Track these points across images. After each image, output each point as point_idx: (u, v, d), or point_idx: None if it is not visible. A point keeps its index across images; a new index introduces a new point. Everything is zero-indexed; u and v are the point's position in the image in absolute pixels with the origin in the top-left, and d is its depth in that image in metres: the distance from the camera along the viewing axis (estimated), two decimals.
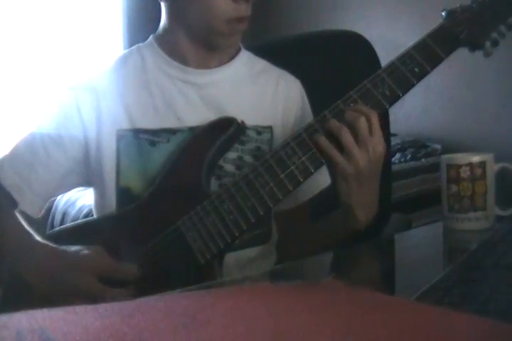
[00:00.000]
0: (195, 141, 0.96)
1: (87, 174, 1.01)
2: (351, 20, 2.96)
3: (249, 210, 0.88)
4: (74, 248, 0.87)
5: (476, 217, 0.91)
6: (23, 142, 1.00)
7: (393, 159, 2.50)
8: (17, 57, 2.75)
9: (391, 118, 1.23)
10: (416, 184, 2.31)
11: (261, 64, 1.09)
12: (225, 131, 0.95)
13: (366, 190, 0.91)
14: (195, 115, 0.99)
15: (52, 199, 1.08)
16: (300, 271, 0.84)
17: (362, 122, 0.86)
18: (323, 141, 0.87)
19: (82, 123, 0.99)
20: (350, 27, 1.43)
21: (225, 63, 1.04)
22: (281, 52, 1.28)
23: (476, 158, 0.91)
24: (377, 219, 0.96)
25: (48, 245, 0.88)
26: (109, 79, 1.02)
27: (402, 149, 2.59)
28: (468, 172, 0.91)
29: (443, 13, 0.93)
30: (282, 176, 0.88)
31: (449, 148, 2.46)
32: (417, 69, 0.90)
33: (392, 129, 1.33)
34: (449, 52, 0.91)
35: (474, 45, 0.93)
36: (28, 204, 0.97)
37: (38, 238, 0.90)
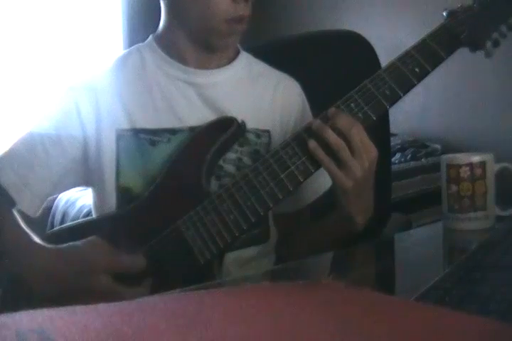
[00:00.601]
0: (195, 140, 0.96)
1: (86, 174, 1.01)
2: (351, 20, 2.97)
3: (249, 210, 0.88)
4: (69, 245, 0.85)
5: (476, 217, 0.91)
6: (21, 141, 1.00)
7: (393, 159, 2.50)
8: (17, 57, 2.75)
9: (391, 118, 1.23)
10: (416, 184, 2.31)
11: (260, 67, 1.09)
12: (225, 130, 0.95)
13: (364, 197, 0.91)
14: (196, 115, 0.99)
15: (52, 198, 1.08)
16: (300, 271, 0.84)
17: (354, 135, 0.85)
18: (323, 155, 0.86)
19: (82, 123, 0.98)
20: (350, 27, 1.43)
21: (224, 65, 1.04)
22: (281, 52, 1.28)
23: (476, 158, 0.91)
24: (376, 220, 0.96)
25: (45, 246, 0.88)
26: (108, 79, 1.02)
27: (402, 149, 2.59)
28: (468, 172, 0.91)
29: (444, 13, 0.93)
30: (282, 176, 0.88)
31: (449, 148, 2.46)
32: (417, 69, 0.90)
33: (392, 129, 1.33)
34: (449, 52, 0.91)
35: (475, 45, 0.93)
36: (26, 203, 0.97)
37: (36, 239, 0.90)
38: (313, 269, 0.86)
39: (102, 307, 0.46)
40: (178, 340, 0.40)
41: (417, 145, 2.63)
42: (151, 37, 1.06)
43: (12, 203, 0.96)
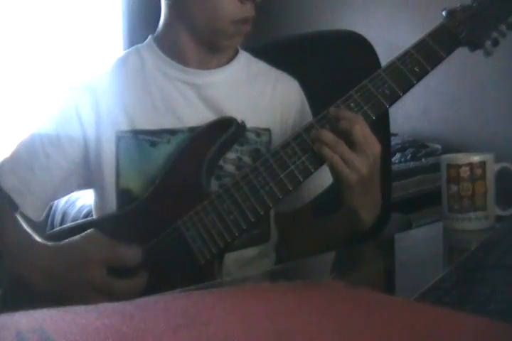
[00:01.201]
0: (195, 141, 0.96)
1: (87, 175, 1.01)
2: (351, 21, 2.97)
3: (249, 210, 0.88)
4: (68, 240, 0.86)
5: (476, 217, 0.91)
6: (22, 144, 1.00)
7: (393, 159, 2.50)
8: (17, 57, 2.75)
9: (391, 118, 1.23)
10: (416, 184, 2.31)
11: (259, 65, 1.09)
12: (225, 131, 0.95)
13: (370, 193, 0.91)
14: (195, 115, 0.99)
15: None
16: (300, 271, 0.84)
17: (357, 131, 0.85)
18: (327, 151, 0.86)
19: (81, 125, 0.98)
20: (350, 27, 1.43)
21: (223, 64, 1.04)
22: (281, 52, 1.28)
23: (476, 158, 0.91)
24: (377, 219, 0.96)
25: (48, 245, 0.88)
26: (108, 80, 1.02)
27: (402, 149, 2.59)
28: (468, 172, 0.91)
29: (443, 13, 0.93)
30: (282, 176, 0.88)
31: (449, 148, 2.46)
32: (417, 69, 0.90)
33: (392, 129, 1.33)
34: (449, 51, 0.91)
35: (474, 45, 0.93)
36: (29, 207, 0.97)
37: (38, 239, 0.90)
38: (313, 269, 0.86)
39: (102, 307, 0.46)
40: (177, 340, 0.40)
41: (417, 145, 2.63)
42: (150, 37, 1.06)
43: (15, 207, 0.96)
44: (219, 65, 1.04)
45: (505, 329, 0.44)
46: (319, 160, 0.88)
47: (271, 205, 0.89)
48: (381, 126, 1.19)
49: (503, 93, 2.49)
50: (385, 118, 1.22)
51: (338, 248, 0.94)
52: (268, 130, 1.03)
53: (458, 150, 1.41)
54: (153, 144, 0.97)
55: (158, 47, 1.03)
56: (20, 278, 0.88)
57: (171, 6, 1.00)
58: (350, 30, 1.34)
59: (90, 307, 0.45)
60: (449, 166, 0.92)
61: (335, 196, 0.93)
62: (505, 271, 0.64)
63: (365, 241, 0.97)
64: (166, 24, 1.03)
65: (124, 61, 1.04)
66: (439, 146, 2.61)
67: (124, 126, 0.98)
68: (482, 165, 0.91)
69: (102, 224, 0.97)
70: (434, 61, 0.90)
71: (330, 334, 0.42)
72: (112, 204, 0.98)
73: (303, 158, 0.88)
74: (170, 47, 1.02)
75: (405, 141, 2.65)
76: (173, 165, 0.95)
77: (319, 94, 1.07)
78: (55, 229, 1.05)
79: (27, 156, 0.98)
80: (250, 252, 1.01)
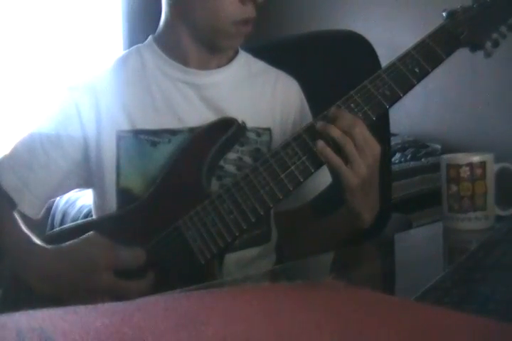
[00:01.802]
0: (195, 141, 0.96)
1: (87, 175, 1.01)
2: (351, 20, 2.97)
3: (250, 210, 0.88)
4: (68, 243, 0.85)
5: (476, 217, 0.91)
6: (22, 143, 1.00)
7: (393, 159, 2.50)
8: (17, 57, 2.75)
9: (391, 118, 1.23)
10: (416, 184, 2.32)
11: (259, 65, 1.09)
12: (225, 131, 0.95)
13: (370, 193, 0.91)
14: (196, 115, 0.99)
15: (52, 199, 1.08)
16: (300, 271, 0.84)
17: (357, 133, 0.85)
18: (329, 152, 0.86)
19: (82, 124, 0.98)
20: (350, 27, 1.43)
21: (224, 65, 1.04)
22: (281, 52, 1.28)
23: (476, 158, 0.91)
24: (377, 219, 0.96)
25: (47, 249, 0.88)
26: (108, 80, 1.02)
27: (402, 149, 2.59)
28: (468, 172, 0.91)
29: (444, 14, 0.93)
30: (282, 176, 0.88)
31: (449, 148, 2.46)
32: (417, 70, 0.90)
33: (392, 129, 1.33)
34: (449, 52, 0.91)
35: (475, 46, 0.93)
36: (27, 205, 0.97)
37: (36, 240, 0.90)
38: (313, 269, 0.86)
39: (102, 307, 0.46)
40: (177, 340, 0.40)
41: (417, 145, 2.63)
42: (150, 37, 1.06)
43: (13, 205, 0.96)
44: (219, 65, 1.04)
45: (505, 329, 0.44)
46: (319, 161, 0.88)
47: (271, 205, 0.89)
48: (381, 126, 1.19)
49: (503, 93, 2.49)
50: (385, 119, 1.22)
51: (338, 248, 0.94)
52: (268, 129, 1.03)
53: (458, 150, 1.41)
54: (153, 144, 0.97)
55: (159, 47, 1.03)
56: (19, 280, 0.88)
57: (171, 6, 1.00)
58: (350, 30, 1.34)
59: (90, 307, 0.45)
60: (449, 166, 0.92)
61: (335, 195, 0.93)
62: (505, 271, 0.64)
63: (365, 241, 0.97)
64: (167, 24, 1.03)
65: (124, 61, 1.04)
66: (439, 146, 2.61)
67: (125, 126, 0.98)
68: (482, 165, 0.91)
69: (102, 224, 0.97)
70: (435, 62, 0.90)
71: (330, 334, 0.42)
72: (112, 204, 0.98)
73: (303, 159, 0.88)
74: (170, 47, 1.02)
75: (405, 141, 2.65)
76: (173, 165, 0.95)
77: (319, 95, 1.07)
78: (55, 230, 1.05)
79: (26, 155, 0.98)
80: (251, 252, 1.01)
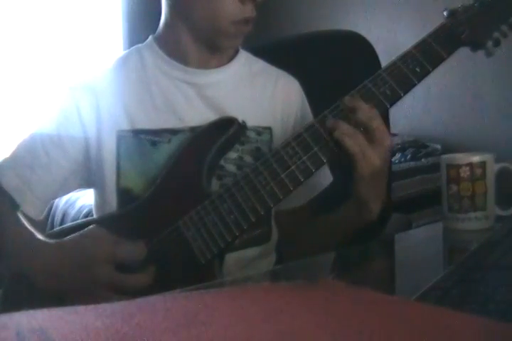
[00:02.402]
0: (196, 140, 0.96)
1: (88, 175, 1.01)
2: (352, 21, 2.97)
3: (250, 210, 0.88)
4: (70, 237, 0.86)
5: (476, 217, 0.91)
6: (23, 144, 1.00)
7: (393, 159, 2.50)
8: (17, 57, 2.75)
9: (391, 118, 1.23)
10: (416, 184, 2.32)
11: (259, 64, 1.09)
12: (225, 130, 0.95)
13: (379, 184, 0.92)
14: (196, 115, 0.99)
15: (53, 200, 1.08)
16: (300, 271, 0.84)
17: (377, 123, 0.85)
18: (348, 140, 0.85)
19: (82, 124, 0.98)
20: (350, 27, 1.43)
21: (224, 64, 1.04)
22: (282, 52, 1.28)
23: (476, 158, 0.91)
24: (377, 219, 0.96)
25: (49, 243, 0.88)
26: (108, 80, 1.02)
27: (402, 149, 2.59)
28: (468, 172, 0.91)
29: (444, 13, 0.93)
30: (283, 176, 0.88)
31: (449, 148, 2.46)
32: (418, 69, 0.89)
33: (392, 129, 1.33)
34: (450, 51, 0.91)
35: (476, 45, 0.93)
36: (30, 206, 0.97)
37: (40, 237, 0.90)
38: (313, 269, 0.86)
39: (102, 307, 0.46)
40: (177, 340, 0.40)
41: (417, 145, 2.63)
42: (150, 37, 1.06)
43: (16, 206, 0.96)
44: (219, 65, 1.04)
45: (505, 329, 0.44)
46: (320, 160, 0.88)
47: (272, 205, 0.89)
48: None
49: (503, 93, 2.49)
50: (385, 119, 1.22)
51: (339, 247, 0.94)
52: (269, 128, 1.03)
53: (458, 150, 1.41)
54: (153, 144, 0.97)
55: (159, 47, 1.03)
56: (22, 277, 0.88)
57: (171, 6, 1.00)
58: (350, 30, 1.34)
59: (90, 307, 0.45)
60: (449, 166, 0.92)
61: (334, 195, 0.93)
62: (505, 271, 0.64)
63: (365, 241, 0.97)
64: (167, 24, 1.03)
65: (124, 61, 1.04)
66: (439, 146, 2.61)
67: (125, 126, 0.98)
68: (482, 165, 0.91)
69: (102, 223, 0.97)
70: (436, 61, 0.90)
71: (330, 334, 0.42)
72: (112, 204, 0.98)
73: (304, 158, 0.88)
74: (170, 47, 1.02)
75: (405, 141, 2.64)
76: (174, 165, 0.95)
77: (319, 95, 1.07)
78: (55, 229, 1.05)
79: (28, 155, 0.98)
80: (251, 252, 1.01)
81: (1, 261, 0.92)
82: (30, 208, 0.97)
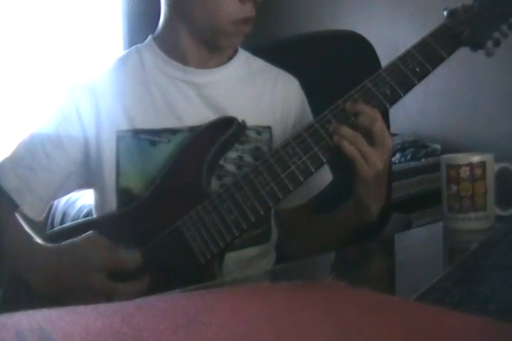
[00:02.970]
0: (195, 140, 0.96)
1: (88, 175, 1.01)
2: (352, 21, 2.97)
3: (250, 210, 0.88)
4: (68, 242, 0.86)
5: (476, 217, 0.91)
6: (23, 144, 1.00)
7: (393, 159, 2.50)
8: (17, 57, 2.75)
9: (391, 118, 1.23)
10: (416, 184, 2.31)
11: (258, 63, 1.09)
12: (225, 130, 0.95)
13: (380, 186, 0.92)
14: (196, 115, 0.99)
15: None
16: (300, 271, 0.84)
17: (378, 126, 0.85)
18: (347, 145, 0.86)
19: (82, 124, 0.98)
20: (350, 27, 1.43)
21: (223, 63, 1.04)
22: (281, 52, 1.28)
23: (476, 158, 0.91)
24: (377, 219, 0.96)
25: (47, 247, 0.88)
26: (108, 80, 1.02)
27: (402, 149, 2.59)
28: (468, 172, 0.91)
29: (444, 13, 0.93)
30: (283, 176, 0.88)
31: (449, 148, 2.46)
32: (418, 69, 0.89)
33: (392, 129, 1.33)
34: (450, 51, 0.91)
35: (476, 45, 0.93)
36: (29, 207, 0.97)
37: (38, 240, 0.90)
38: (313, 269, 0.86)
39: (102, 307, 0.46)
40: (177, 340, 0.40)
41: (417, 146, 2.63)
42: (150, 37, 1.06)
43: (15, 206, 0.96)
44: (219, 64, 1.04)
45: (505, 329, 0.44)
46: (320, 160, 0.88)
47: (271, 205, 0.89)
48: None
49: (503, 93, 2.49)
50: (385, 119, 1.22)
51: (339, 247, 0.94)
52: (269, 128, 1.03)
53: (458, 150, 1.40)
54: (153, 144, 0.97)
55: (158, 47, 1.03)
56: (20, 279, 0.88)
57: (171, 6, 1.00)
58: (350, 30, 1.34)
59: (90, 307, 0.45)
60: (449, 166, 0.92)
61: (334, 195, 0.93)
62: (505, 271, 0.64)
63: (365, 241, 0.96)
64: (166, 24, 1.03)
65: (124, 61, 1.04)
66: (439, 146, 2.61)
67: (125, 126, 0.98)
68: (482, 165, 0.91)
69: (102, 223, 0.97)
70: (436, 61, 0.90)
71: (330, 334, 0.42)
72: (112, 204, 0.98)
73: (304, 158, 0.88)
74: (170, 47, 1.02)
75: (405, 141, 2.64)
76: (173, 165, 0.95)
77: (319, 95, 1.07)
78: (54, 229, 1.05)
79: (27, 156, 0.98)
80: (251, 252, 1.01)
81: (1, 262, 0.92)
82: (29, 209, 0.97)
